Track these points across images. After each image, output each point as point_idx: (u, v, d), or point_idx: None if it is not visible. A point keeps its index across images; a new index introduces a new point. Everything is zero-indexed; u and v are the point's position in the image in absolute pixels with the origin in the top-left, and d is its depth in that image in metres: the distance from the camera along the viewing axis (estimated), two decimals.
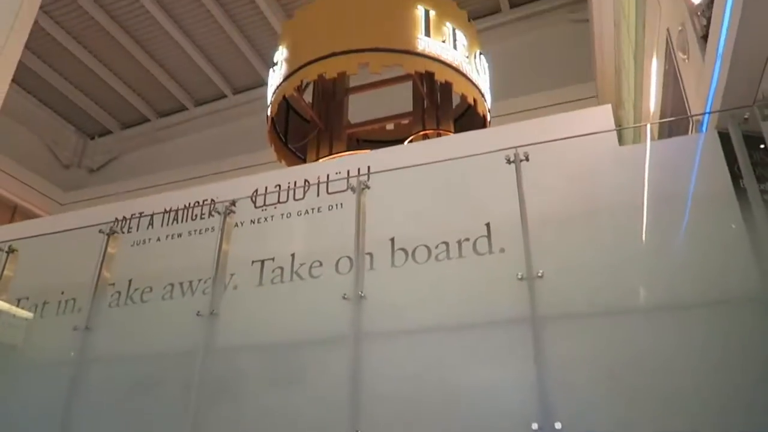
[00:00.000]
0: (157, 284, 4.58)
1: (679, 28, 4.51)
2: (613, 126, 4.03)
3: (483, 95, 6.74)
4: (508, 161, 3.57)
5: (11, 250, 4.62)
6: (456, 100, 7.31)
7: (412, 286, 3.87)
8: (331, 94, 7.14)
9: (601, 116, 4.11)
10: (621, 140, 4.13)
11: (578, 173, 3.73)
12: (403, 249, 4.01)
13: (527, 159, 3.54)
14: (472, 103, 6.53)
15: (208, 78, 14.25)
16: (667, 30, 5.04)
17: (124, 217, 5.07)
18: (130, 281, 4.70)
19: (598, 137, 3.94)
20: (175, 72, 14.20)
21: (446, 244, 3.90)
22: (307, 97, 7.54)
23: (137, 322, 4.49)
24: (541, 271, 3.23)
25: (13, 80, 12.97)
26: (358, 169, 4.36)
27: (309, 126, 7.23)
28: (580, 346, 3.03)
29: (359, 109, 7.85)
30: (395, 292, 3.88)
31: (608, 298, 3.14)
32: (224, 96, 14.80)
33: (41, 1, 7.76)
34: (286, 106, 7.47)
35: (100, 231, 4.46)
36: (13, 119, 13.30)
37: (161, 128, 15.30)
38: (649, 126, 4.57)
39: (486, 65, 7.23)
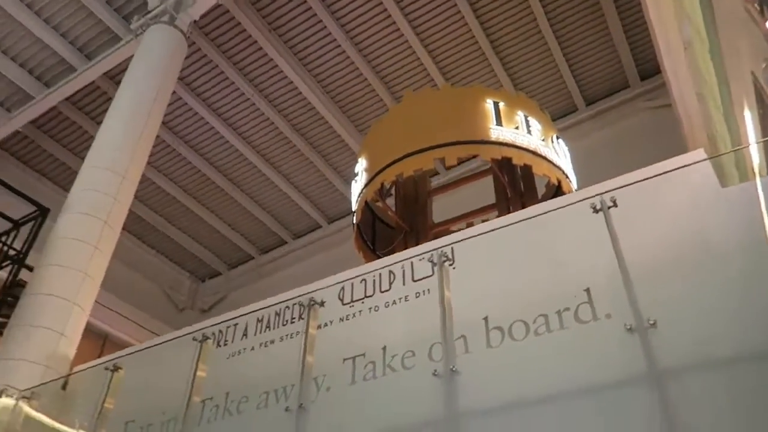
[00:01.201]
0: (253, 393, 4.50)
1: (763, 64, 4.26)
2: (710, 168, 3.70)
3: (567, 176, 6.56)
4: (594, 210, 3.33)
5: (116, 369, 4.78)
6: (541, 190, 7.15)
7: (512, 366, 3.54)
8: (414, 198, 7.24)
9: (694, 159, 3.80)
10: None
11: (678, 217, 3.40)
12: (498, 327, 3.74)
13: (615, 204, 3.28)
14: (556, 183, 6.36)
15: (303, 211, 15.05)
16: (752, 73, 4.77)
17: (219, 331, 5.16)
18: (227, 393, 4.66)
19: (696, 180, 3.62)
20: (273, 209, 15.14)
21: (545, 316, 3.59)
22: (390, 206, 7.68)
23: None
24: (652, 319, 2.85)
25: (131, 233, 14.39)
26: (441, 249, 4.22)
27: (395, 232, 7.29)
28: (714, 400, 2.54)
29: (444, 211, 7.87)
30: (494, 373, 3.56)
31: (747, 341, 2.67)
32: (319, 226, 15.48)
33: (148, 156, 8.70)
34: (372, 217, 7.64)
35: (194, 339, 4.53)
36: (133, 269, 14.51)
37: (264, 264, 16.07)
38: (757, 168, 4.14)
39: (566, 148, 7.11)
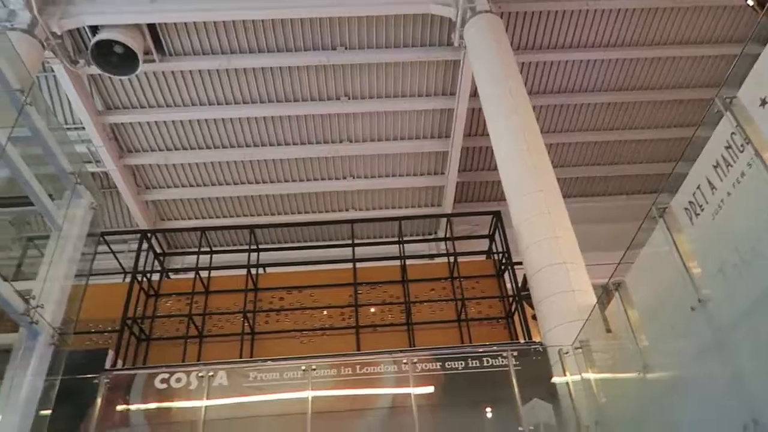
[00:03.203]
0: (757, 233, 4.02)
1: None
2: None
3: None
4: None
5: (617, 287, 4.96)
6: None
7: None
8: None
9: None
10: None
11: None
12: None
13: None
14: None
15: (722, 56, 13.04)
16: None
17: (690, 203, 4.86)
18: (736, 249, 4.30)
19: None
20: (684, 81, 13.54)
21: None
22: None
23: None
24: None
25: (584, 195, 14.79)
26: None
27: None
28: None
29: None
30: None
31: None
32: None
33: None
34: None
35: (653, 218, 4.40)
36: (606, 223, 14.50)
37: None
38: None
39: None
